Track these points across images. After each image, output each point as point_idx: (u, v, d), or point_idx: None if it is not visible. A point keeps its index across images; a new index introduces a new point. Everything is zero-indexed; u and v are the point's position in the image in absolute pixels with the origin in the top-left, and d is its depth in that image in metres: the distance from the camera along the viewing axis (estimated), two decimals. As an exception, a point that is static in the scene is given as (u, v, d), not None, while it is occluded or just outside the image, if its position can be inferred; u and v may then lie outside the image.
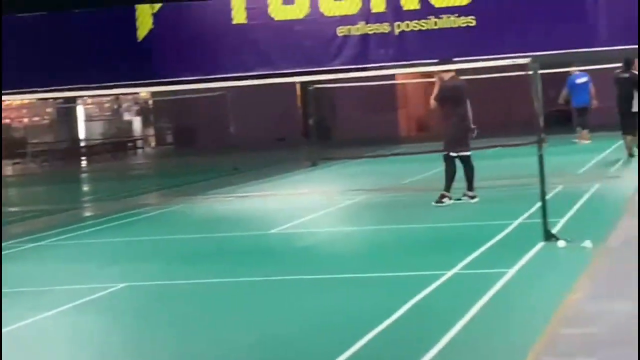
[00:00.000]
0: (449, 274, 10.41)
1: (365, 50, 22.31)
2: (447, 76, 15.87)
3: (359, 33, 22.45)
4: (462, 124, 15.83)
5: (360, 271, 11.16)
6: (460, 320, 8.30)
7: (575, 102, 28.02)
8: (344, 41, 22.49)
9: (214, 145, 34.58)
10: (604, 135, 27.23)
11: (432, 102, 16.19)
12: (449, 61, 16.62)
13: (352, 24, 22.47)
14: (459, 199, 15.92)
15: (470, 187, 16.05)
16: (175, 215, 17.65)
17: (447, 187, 15.86)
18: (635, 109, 21.13)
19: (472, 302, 8.89)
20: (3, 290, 11.24)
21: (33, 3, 24.48)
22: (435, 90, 16.07)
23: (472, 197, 15.99)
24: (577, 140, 27.98)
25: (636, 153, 20.84)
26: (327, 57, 22.36)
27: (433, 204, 15.74)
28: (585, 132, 27.93)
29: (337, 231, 14.91)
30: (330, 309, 9.32)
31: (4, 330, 9.12)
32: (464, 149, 15.94)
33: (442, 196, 15.77)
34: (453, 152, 15.88)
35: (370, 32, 22.37)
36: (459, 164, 15.93)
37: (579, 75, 27.70)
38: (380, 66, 21.58)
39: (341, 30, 22.56)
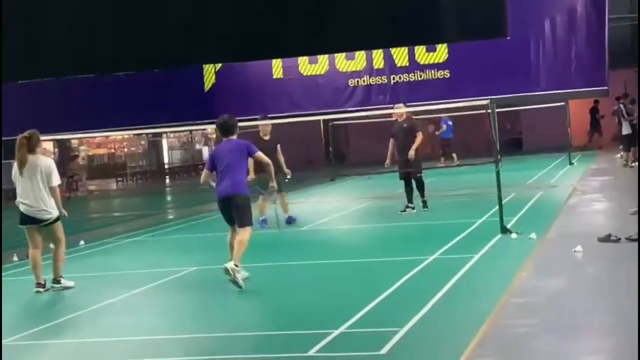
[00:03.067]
0: (431, 258, 10.36)
1: (369, 96, 22.31)
2: (401, 117, 15.50)
3: (364, 84, 22.44)
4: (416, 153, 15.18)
5: (366, 257, 11.14)
6: (440, 291, 8.26)
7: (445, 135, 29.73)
8: (354, 90, 22.50)
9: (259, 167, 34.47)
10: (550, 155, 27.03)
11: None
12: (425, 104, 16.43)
13: (360, 77, 22.47)
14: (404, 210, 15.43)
15: (422, 197, 15.54)
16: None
17: (410, 200, 15.41)
18: (625, 132, 22.31)
19: (448, 278, 8.85)
20: (106, 273, 11.30)
21: (127, 66, 24.59)
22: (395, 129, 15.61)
23: (414, 208, 15.41)
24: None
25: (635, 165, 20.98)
26: (341, 101, 22.38)
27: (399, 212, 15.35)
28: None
29: (350, 228, 14.88)
30: (341, 284, 9.29)
31: (105, 302, 9.13)
32: (419, 171, 15.47)
33: (407, 207, 15.45)
34: (414, 173, 15.35)
35: (372, 83, 22.36)
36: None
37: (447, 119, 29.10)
38: (380, 107, 21.56)
39: (351, 82, 22.56)
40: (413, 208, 15.40)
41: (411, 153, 15.11)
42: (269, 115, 16.49)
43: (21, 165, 9.98)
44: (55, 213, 10.06)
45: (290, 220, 14.86)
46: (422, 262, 10.06)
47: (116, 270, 11.55)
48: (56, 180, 10.09)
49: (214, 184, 9.75)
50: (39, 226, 10.09)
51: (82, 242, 14.42)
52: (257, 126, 15.23)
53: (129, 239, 15.12)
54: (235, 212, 9.48)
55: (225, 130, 9.72)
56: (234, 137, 9.74)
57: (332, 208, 17.83)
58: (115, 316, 8.57)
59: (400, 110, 15.52)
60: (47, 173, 9.98)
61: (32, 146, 10.00)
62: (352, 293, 8.71)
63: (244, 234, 9.41)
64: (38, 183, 9.93)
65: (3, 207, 10.42)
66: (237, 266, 9.17)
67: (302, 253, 12.00)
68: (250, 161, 10.66)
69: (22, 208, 10.07)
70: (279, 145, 14.69)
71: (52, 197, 10.05)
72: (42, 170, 9.97)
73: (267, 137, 14.77)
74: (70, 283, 10.20)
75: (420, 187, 15.54)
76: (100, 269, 11.83)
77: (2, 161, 28.53)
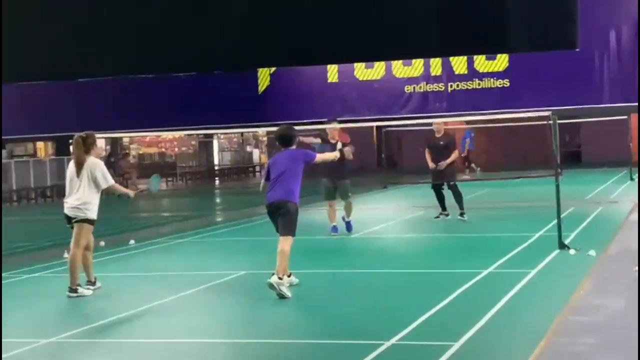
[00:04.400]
0: (486, 271, 10.27)
1: (425, 103, 22.22)
2: (440, 133, 16.14)
3: (421, 90, 22.37)
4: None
5: (419, 267, 11.09)
6: (495, 306, 8.19)
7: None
8: (410, 96, 22.43)
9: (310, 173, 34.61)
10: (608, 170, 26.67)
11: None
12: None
13: (416, 84, 22.41)
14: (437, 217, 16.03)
15: (460, 209, 16.02)
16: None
17: (444, 207, 16.15)
18: None
19: (503, 293, 8.77)
20: (157, 274, 11.42)
21: (184, 67, 24.80)
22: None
23: (448, 215, 16.13)
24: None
25: None
26: (397, 107, 22.33)
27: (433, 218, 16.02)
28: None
29: (402, 236, 14.83)
30: (393, 295, 9.26)
31: (155, 303, 9.23)
32: (452, 179, 16.08)
33: (441, 214, 16.07)
34: (448, 181, 15.99)
35: (429, 90, 22.28)
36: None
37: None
38: (436, 115, 21.45)
39: (408, 88, 22.50)
40: (447, 215, 15.75)
41: (442, 164, 15.91)
42: (337, 119, 16.71)
43: (79, 166, 9.99)
44: (89, 215, 9.93)
45: (349, 227, 14.85)
46: (477, 275, 9.98)
47: (165, 270, 11.67)
48: (111, 179, 10.14)
49: None
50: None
51: (132, 241, 14.61)
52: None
53: (178, 239, 15.27)
54: (281, 219, 9.43)
55: (285, 141, 9.89)
56: (294, 147, 9.89)
57: (384, 216, 17.80)
58: (166, 317, 8.66)
59: (438, 125, 16.12)
60: (100, 174, 9.96)
61: (87, 147, 10.06)
62: (404, 304, 8.68)
63: (285, 244, 9.38)
64: (85, 183, 9.95)
65: (54, 203, 10.52)
66: (281, 278, 9.20)
67: (353, 261, 11.99)
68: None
69: (65, 207, 10.09)
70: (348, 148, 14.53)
71: (96, 199, 9.98)
72: (91, 171, 9.95)
73: (334, 141, 14.84)
74: (88, 292, 9.94)
75: (457, 197, 15.78)
76: (150, 268, 11.97)
77: (53, 157, 29.02)
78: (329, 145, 14.29)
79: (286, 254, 9.34)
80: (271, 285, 9.10)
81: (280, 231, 9.49)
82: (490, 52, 18.89)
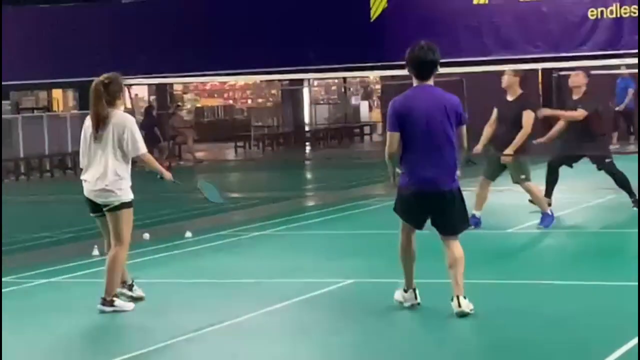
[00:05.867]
0: None
1: (619, 34, 21.84)
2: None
3: (612, 16, 22.00)
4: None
5: (605, 278, 10.95)
6: None
7: None
8: (595, 24, 22.08)
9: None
10: None
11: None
12: None
13: (605, 6, 22.03)
14: None
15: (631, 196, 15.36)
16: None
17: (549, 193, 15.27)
18: None
19: None
20: (228, 281, 11.57)
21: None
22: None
23: (550, 204, 14.88)
24: None
25: None
26: (576, 41, 22.01)
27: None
28: None
29: (578, 232, 14.65)
30: (573, 317, 9.17)
31: (232, 321, 9.35)
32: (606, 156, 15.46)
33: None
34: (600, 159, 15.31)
35: (625, 15, 21.89)
36: None
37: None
38: (632, 52, 21.04)
39: (592, 13, 22.16)
40: (550, 204, 14.75)
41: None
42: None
43: (98, 125, 9.98)
44: (124, 196, 9.97)
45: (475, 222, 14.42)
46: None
47: (237, 276, 11.80)
48: (142, 146, 10.08)
49: (398, 171, 9.30)
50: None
51: (188, 234, 14.82)
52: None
53: (253, 232, 15.39)
54: (445, 214, 9.19)
55: (423, 67, 9.19)
56: (431, 82, 9.29)
57: (553, 201, 17.58)
58: (241, 343, 8.77)
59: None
60: (127, 137, 9.93)
61: (111, 96, 10.07)
62: (589, 331, 8.65)
63: (459, 247, 9.24)
64: (107, 151, 9.95)
65: (77, 176, 10.65)
66: (465, 298, 9.09)
67: (508, 266, 11.93)
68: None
69: (84, 189, 10.11)
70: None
71: (127, 172, 10.01)
72: (116, 132, 9.95)
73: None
74: (129, 306, 10.08)
75: (619, 180, 15.13)
76: (216, 273, 12.14)
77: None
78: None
79: (462, 261, 9.16)
80: (463, 314, 9.01)
81: (447, 231, 9.28)
82: None
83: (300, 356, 8.42)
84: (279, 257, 13.22)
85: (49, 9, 27.42)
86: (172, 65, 24.61)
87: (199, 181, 11.63)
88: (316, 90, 45.89)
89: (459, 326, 9.04)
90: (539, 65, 22.69)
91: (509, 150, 14.02)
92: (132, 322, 9.76)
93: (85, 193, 10.08)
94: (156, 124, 31.14)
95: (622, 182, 15.32)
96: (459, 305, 8.97)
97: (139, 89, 40.77)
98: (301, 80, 37.70)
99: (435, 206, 9.16)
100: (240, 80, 41.88)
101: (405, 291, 9.50)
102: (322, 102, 45.50)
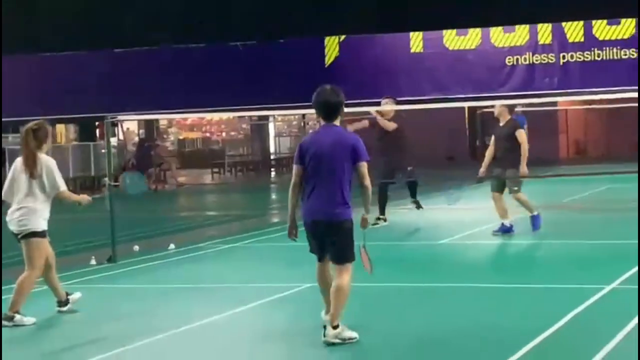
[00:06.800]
0: (607, 288, 10.11)
1: (532, 78, 22.04)
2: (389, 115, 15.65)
3: (526, 62, 22.18)
4: None
5: (523, 281, 10.97)
6: (619, 332, 8.05)
7: None
8: (512, 70, 22.27)
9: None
10: None
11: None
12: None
13: (520, 55, 22.23)
14: None
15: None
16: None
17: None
18: None
19: (629, 316, 8.60)
20: (202, 286, 11.52)
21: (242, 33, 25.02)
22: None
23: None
24: None
25: None
26: (496, 83, 22.20)
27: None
28: None
29: (503, 243, 14.69)
30: (494, 314, 9.18)
31: (200, 322, 9.29)
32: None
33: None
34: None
35: (536, 62, 22.08)
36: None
37: None
38: (545, 93, 21.26)
39: (509, 60, 22.34)
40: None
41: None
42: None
43: (30, 165, 9.65)
44: (35, 227, 9.61)
45: (504, 230, 14.69)
46: (596, 292, 9.84)
47: (211, 282, 11.78)
48: (62, 184, 9.83)
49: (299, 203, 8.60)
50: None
51: (172, 246, 14.77)
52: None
53: (227, 244, 15.37)
54: (334, 244, 8.37)
55: (328, 109, 8.37)
56: (337, 122, 8.46)
57: (480, 217, 17.61)
58: (210, 341, 8.71)
59: (387, 107, 15.98)
60: (48, 177, 9.68)
61: (39, 141, 9.74)
62: (508, 325, 8.63)
63: (345, 277, 8.25)
64: (34, 188, 9.66)
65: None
66: (336, 328, 8.15)
67: (441, 272, 11.93)
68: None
69: (8, 220, 9.71)
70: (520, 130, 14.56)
71: (47, 206, 9.72)
72: (46, 172, 9.69)
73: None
74: (30, 320, 9.56)
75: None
76: (195, 279, 12.09)
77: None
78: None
79: (346, 291, 8.21)
80: (329, 344, 8.11)
81: (333, 259, 8.38)
82: (611, 17, 18.66)
83: (264, 352, 8.35)
84: (247, 266, 13.22)
85: (54, 57, 27.23)
86: (158, 103, 24.55)
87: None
88: (279, 125, 45.94)
89: (407, 320, 9.03)
90: (465, 104, 22.90)
91: (523, 166, 14.59)
92: (111, 322, 9.61)
93: (9, 224, 9.71)
94: (148, 153, 31.09)
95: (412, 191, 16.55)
96: (324, 335, 8.18)
97: (130, 123, 40.65)
98: (267, 117, 37.71)
99: (325, 235, 8.44)
100: (216, 116, 41.79)
101: (326, 313, 8.52)
102: (284, 134, 45.55)
